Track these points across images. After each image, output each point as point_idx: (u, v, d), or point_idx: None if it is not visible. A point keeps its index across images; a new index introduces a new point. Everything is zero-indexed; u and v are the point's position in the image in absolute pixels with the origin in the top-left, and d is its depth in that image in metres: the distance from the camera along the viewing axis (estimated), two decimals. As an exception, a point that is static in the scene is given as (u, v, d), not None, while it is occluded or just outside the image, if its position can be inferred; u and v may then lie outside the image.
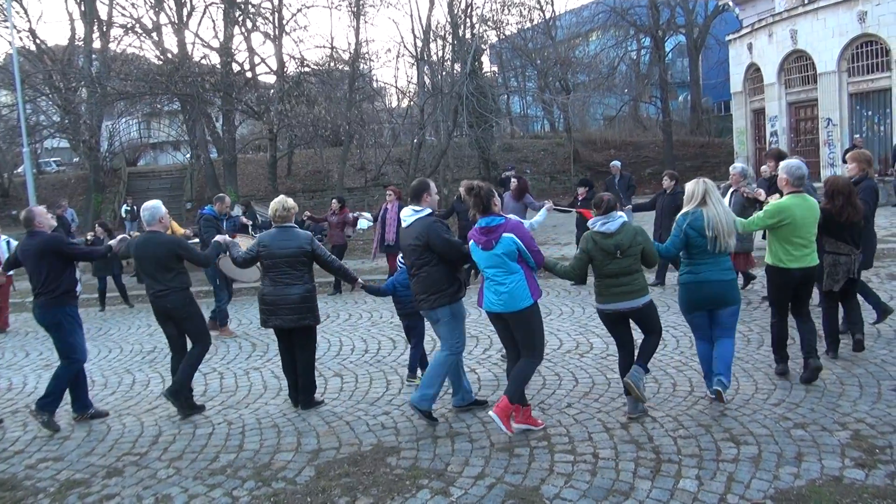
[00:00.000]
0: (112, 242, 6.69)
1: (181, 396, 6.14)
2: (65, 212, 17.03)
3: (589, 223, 5.39)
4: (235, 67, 22.71)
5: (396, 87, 30.13)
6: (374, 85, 28.92)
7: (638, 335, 5.57)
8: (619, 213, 5.33)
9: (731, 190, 8.61)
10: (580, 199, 11.21)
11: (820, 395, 5.56)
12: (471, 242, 5.28)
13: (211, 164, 25.51)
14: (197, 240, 9.34)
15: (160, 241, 6.12)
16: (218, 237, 6.53)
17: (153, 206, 6.23)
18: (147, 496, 4.68)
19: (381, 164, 28.11)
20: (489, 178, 27.04)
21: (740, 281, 9.46)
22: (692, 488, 4.27)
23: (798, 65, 21.79)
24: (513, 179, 11.61)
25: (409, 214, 5.52)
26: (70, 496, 4.76)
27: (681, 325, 8.05)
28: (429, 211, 5.48)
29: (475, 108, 19.45)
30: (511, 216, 5.34)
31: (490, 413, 5.09)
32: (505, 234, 5.06)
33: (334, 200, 13.09)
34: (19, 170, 30.48)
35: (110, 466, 5.21)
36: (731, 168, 8.99)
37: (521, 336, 5.24)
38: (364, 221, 16.90)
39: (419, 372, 6.52)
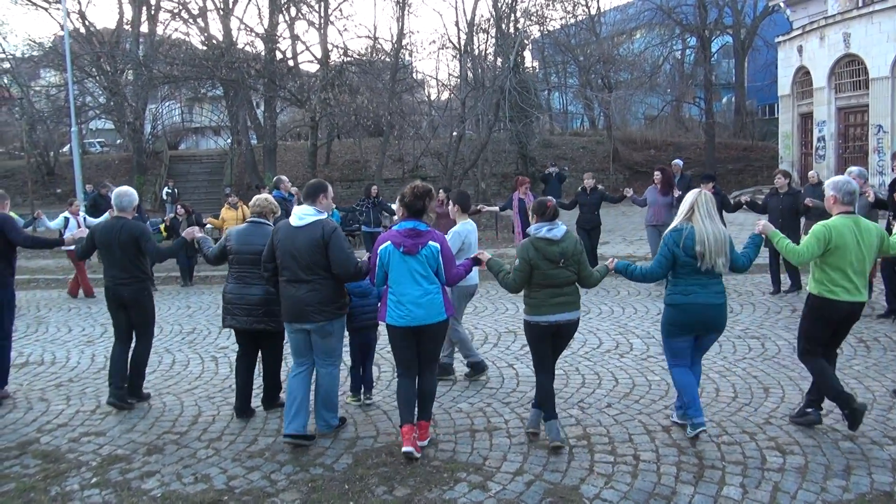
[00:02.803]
0: (66, 236, 6.51)
1: (141, 395, 6.09)
2: (109, 192, 17.35)
3: (531, 229, 4.98)
4: (278, 55, 22.87)
5: (437, 80, 30.11)
6: (416, 76, 28.92)
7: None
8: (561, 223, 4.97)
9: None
10: None
11: (869, 407, 5.40)
12: (383, 246, 4.81)
13: (251, 150, 25.75)
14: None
15: (125, 228, 5.88)
16: (187, 231, 6.14)
17: (130, 193, 6.03)
18: (187, 475, 4.73)
19: (418, 156, 28.12)
20: (526, 174, 26.90)
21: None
22: (736, 496, 4.19)
23: (850, 69, 21.24)
24: (656, 172, 10.96)
25: (309, 213, 4.97)
26: (112, 471, 4.83)
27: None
28: (326, 214, 5.03)
29: (517, 103, 19.33)
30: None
31: (420, 444, 4.86)
32: (431, 243, 4.77)
33: (441, 191, 11.80)
34: (65, 149, 31.11)
35: (151, 444, 5.27)
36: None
37: (429, 350, 4.93)
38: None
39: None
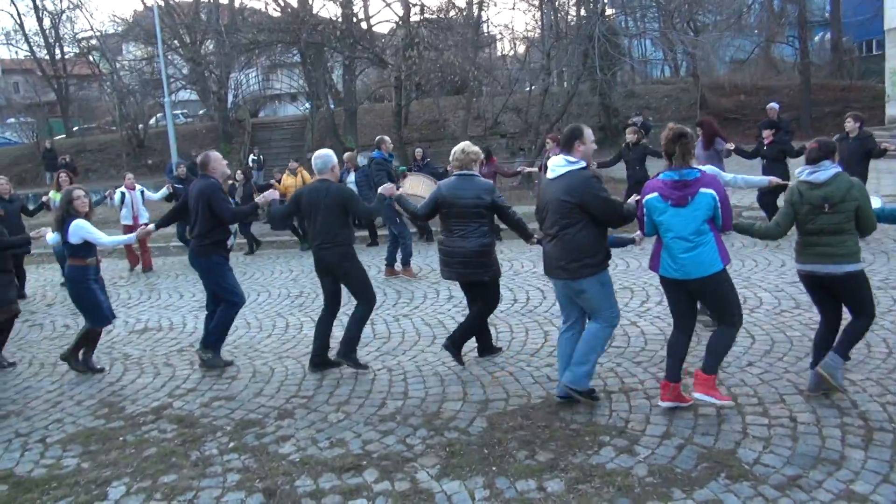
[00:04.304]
0: (259, 200, 6.47)
1: (352, 357, 5.89)
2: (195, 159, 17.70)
3: (797, 172, 4.73)
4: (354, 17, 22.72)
5: (513, 33, 29.32)
6: (491, 31, 28.29)
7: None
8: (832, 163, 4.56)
9: None
10: (766, 143, 9.95)
11: None
12: (649, 197, 4.56)
13: (331, 114, 25.80)
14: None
15: (330, 191, 5.78)
16: (382, 188, 6.03)
17: (326, 155, 5.91)
18: (322, 439, 4.68)
19: (498, 112, 27.60)
20: (609, 126, 26.12)
21: None
22: (915, 461, 3.84)
23: (968, -5, 19.54)
24: (698, 127, 10.60)
25: (560, 164, 4.71)
26: (247, 435, 4.83)
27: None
28: (583, 164, 4.67)
29: (606, 51, 18.58)
30: (706, 168, 4.76)
31: (694, 395, 4.54)
32: (703, 190, 4.38)
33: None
34: (152, 122, 32.01)
35: (281, 408, 5.26)
36: None
37: (713, 304, 4.68)
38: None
39: None
